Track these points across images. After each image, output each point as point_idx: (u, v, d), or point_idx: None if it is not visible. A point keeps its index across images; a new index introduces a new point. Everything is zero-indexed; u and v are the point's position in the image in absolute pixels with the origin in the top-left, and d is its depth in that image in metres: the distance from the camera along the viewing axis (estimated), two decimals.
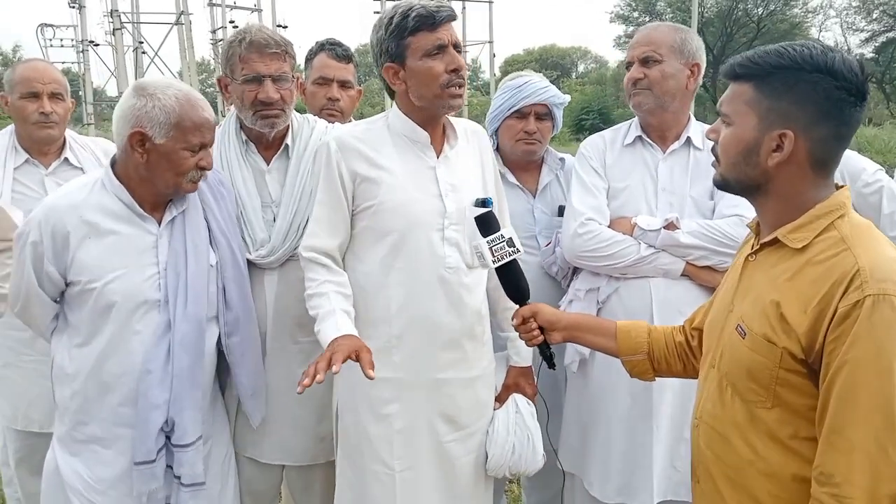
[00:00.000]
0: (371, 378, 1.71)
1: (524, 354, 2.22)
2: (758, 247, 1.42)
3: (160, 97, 1.84)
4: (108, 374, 1.92)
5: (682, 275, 2.21)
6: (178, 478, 1.98)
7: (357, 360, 1.73)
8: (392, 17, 1.91)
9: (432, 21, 1.88)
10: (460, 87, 1.96)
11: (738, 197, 2.17)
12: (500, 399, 2.21)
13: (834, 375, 1.22)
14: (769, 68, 1.30)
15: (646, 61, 2.23)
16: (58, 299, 1.99)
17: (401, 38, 1.90)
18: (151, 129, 1.84)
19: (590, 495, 2.33)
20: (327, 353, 1.73)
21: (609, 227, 2.25)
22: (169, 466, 1.97)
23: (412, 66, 1.92)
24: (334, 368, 1.66)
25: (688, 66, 2.25)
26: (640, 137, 2.34)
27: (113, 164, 1.97)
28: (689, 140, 2.30)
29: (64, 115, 2.69)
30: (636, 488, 2.22)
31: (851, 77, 1.26)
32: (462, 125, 2.12)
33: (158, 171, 1.89)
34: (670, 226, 2.16)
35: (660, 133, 2.33)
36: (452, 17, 1.94)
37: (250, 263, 2.21)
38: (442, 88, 1.93)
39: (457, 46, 1.95)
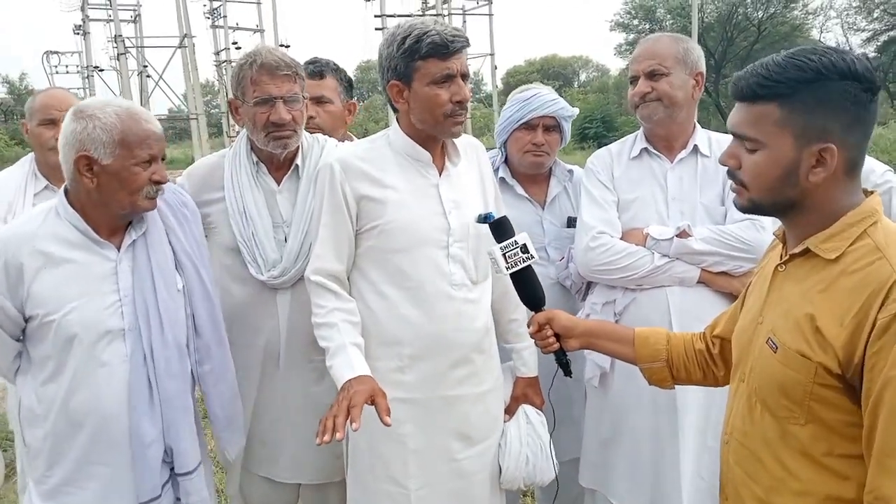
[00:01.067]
0: (388, 425, 1.70)
1: (530, 365, 2.22)
2: (787, 257, 1.36)
3: (100, 116, 1.77)
4: (76, 410, 1.83)
5: (698, 282, 2.20)
6: None
7: (373, 404, 1.73)
8: (405, 38, 1.89)
9: (445, 50, 1.88)
10: (462, 116, 1.97)
11: None
12: (510, 411, 2.20)
13: (880, 393, 1.15)
14: (794, 84, 1.23)
15: (652, 75, 2.23)
16: (20, 338, 1.90)
17: (411, 59, 1.89)
18: (96, 150, 1.77)
19: None
20: (344, 402, 1.72)
21: (621, 239, 2.24)
22: (177, 499, 1.94)
23: (418, 91, 1.92)
24: (354, 426, 1.66)
25: (692, 75, 2.26)
26: (646, 149, 2.34)
27: (66, 191, 1.89)
28: (696, 148, 2.30)
29: None
30: (667, 500, 2.19)
31: (871, 76, 1.22)
32: (461, 140, 2.12)
33: (111, 193, 1.81)
34: (682, 234, 2.16)
35: (667, 143, 2.33)
36: (465, 47, 1.94)
37: (263, 284, 2.21)
38: (444, 117, 1.93)
39: (465, 76, 1.95)
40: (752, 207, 1.36)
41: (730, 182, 1.39)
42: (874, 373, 1.16)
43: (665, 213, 2.26)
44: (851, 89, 1.21)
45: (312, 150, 2.30)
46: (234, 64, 2.40)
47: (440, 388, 2.02)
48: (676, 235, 2.16)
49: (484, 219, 1.94)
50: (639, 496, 2.25)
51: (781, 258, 1.39)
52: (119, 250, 1.89)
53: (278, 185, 2.26)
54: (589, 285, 2.41)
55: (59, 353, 1.83)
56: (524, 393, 2.22)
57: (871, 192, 1.32)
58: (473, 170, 2.13)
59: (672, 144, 2.32)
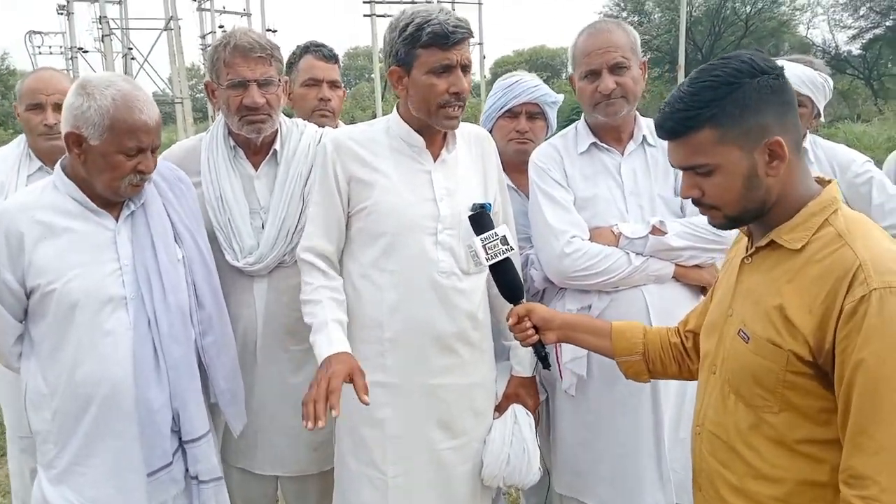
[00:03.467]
0: (366, 403, 1.71)
1: (526, 364, 2.19)
2: (753, 250, 1.40)
3: (97, 97, 1.78)
4: (82, 382, 1.84)
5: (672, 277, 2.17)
6: (196, 477, 1.94)
7: (351, 382, 1.73)
8: (408, 24, 1.88)
9: (446, 40, 1.86)
10: (458, 108, 1.94)
11: None
12: (500, 408, 2.18)
13: (851, 375, 1.19)
14: (714, 103, 1.28)
15: (615, 68, 2.13)
16: (21, 320, 1.92)
17: (412, 47, 1.88)
18: (86, 129, 1.79)
19: None
20: (322, 383, 1.71)
21: (590, 239, 2.16)
22: (186, 470, 1.94)
23: (416, 78, 1.91)
24: (333, 413, 1.67)
25: (641, 65, 2.20)
26: (594, 143, 2.25)
27: (63, 166, 1.92)
28: (644, 138, 2.25)
29: None
30: (645, 496, 2.17)
31: (772, 65, 1.29)
32: (465, 130, 2.09)
33: (95, 173, 1.84)
34: (656, 230, 2.11)
35: (617, 136, 2.26)
36: (467, 37, 1.91)
37: (239, 271, 2.18)
38: (438, 107, 1.92)
39: (465, 68, 1.93)
40: (728, 224, 1.40)
41: (699, 209, 1.42)
42: (845, 356, 1.20)
43: (624, 209, 2.20)
44: (765, 82, 1.28)
45: (291, 135, 2.26)
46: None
47: (421, 375, 2.00)
48: (650, 233, 2.11)
49: (480, 208, 1.91)
50: (618, 497, 2.21)
51: (747, 251, 1.42)
52: (117, 220, 1.90)
53: (256, 170, 2.23)
54: (559, 289, 2.30)
55: (61, 324, 1.84)
56: (517, 392, 2.20)
57: (829, 182, 1.36)
58: (475, 159, 2.10)
59: (621, 137, 2.26)
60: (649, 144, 2.26)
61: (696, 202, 1.40)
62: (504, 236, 1.85)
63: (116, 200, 1.91)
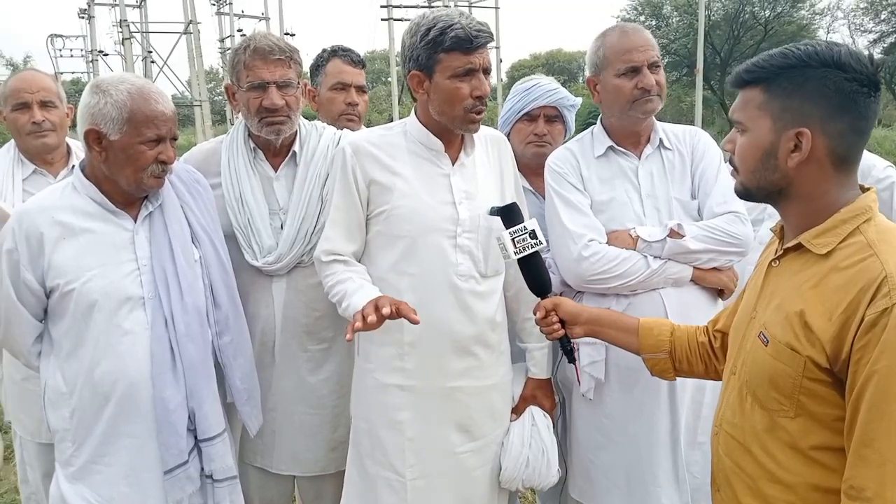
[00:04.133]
0: (416, 322, 1.71)
1: (542, 366, 2.19)
2: (781, 252, 1.39)
3: (112, 93, 1.81)
4: (101, 381, 1.86)
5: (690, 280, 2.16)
6: (210, 476, 1.96)
7: (398, 314, 1.71)
8: (430, 29, 1.87)
9: (469, 44, 1.86)
10: (481, 112, 1.95)
11: (726, 192, 2.14)
12: (517, 411, 2.17)
13: (863, 386, 1.17)
14: (776, 69, 1.28)
15: (652, 66, 2.15)
16: (41, 319, 1.94)
17: (434, 51, 1.88)
18: (105, 125, 1.81)
19: None
20: (371, 304, 1.72)
21: (607, 242, 2.16)
22: (202, 469, 1.95)
23: (438, 83, 1.91)
24: (384, 311, 1.67)
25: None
26: (611, 147, 2.25)
27: (83, 167, 1.94)
28: (660, 142, 2.25)
29: (59, 122, 2.65)
30: (662, 500, 2.16)
31: (861, 68, 1.24)
32: (483, 133, 2.09)
33: (118, 168, 1.85)
34: (673, 234, 2.10)
35: (635, 139, 2.25)
36: (489, 42, 1.92)
37: (258, 271, 2.19)
38: (464, 111, 1.92)
39: (487, 71, 1.93)
40: (743, 191, 1.40)
41: (730, 168, 1.43)
42: (859, 366, 1.18)
43: (642, 212, 2.19)
44: (833, 76, 1.24)
45: (310, 137, 2.27)
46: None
47: (440, 378, 2.00)
48: (667, 236, 2.10)
49: (498, 211, 1.91)
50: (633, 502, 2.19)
51: (776, 253, 1.41)
52: (135, 221, 1.93)
53: (275, 171, 2.24)
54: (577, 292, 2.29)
55: (79, 323, 1.86)
56: (533, 394, 2.19)
57: (868, 189, 1.33)
58: (493, 162, 2.11)
59: (639, 140, 2.25)
60: (666, 148, 2.25)
61: (729, 160, 1.42)
62: (533, 230, 1.84)
63: (140, 195, 1.93)
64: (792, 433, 1.29)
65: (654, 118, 2.27)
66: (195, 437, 1.93)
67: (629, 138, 2.25)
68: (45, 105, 2.61)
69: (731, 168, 1.41)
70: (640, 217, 2.18)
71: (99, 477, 1.90)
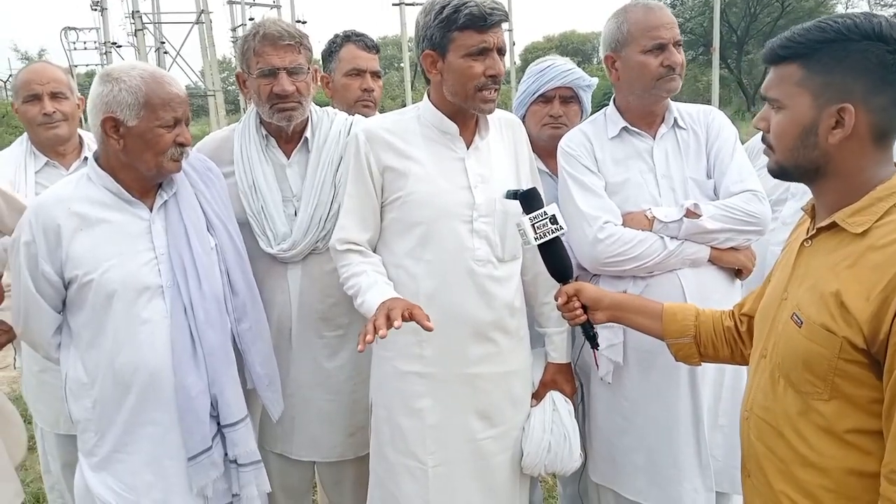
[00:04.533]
0: (430, 329, 1.67)
1: (562, 351, 2.17)
2: (814, 231, 1.35)
3: (125, 80, 1.82)
4: (122, 371, 1.87)
5: (707, 260, 2.13)
6: (235, 461, 1.97)
7: (411, 318, 1.69)
8: (443, 7, 1.85)
9: (483, 22, 1.84)
10: (494, 91, 1.92)
11: (742, 171, 2.12)
12: (538, 396, 2.16)
13: None
14: (814, 44, 1.24)
15: (676, 45, 2.12)
16: (59, 310, 1.95)
17: (447, 30, 1.86)
18: (122, 112, 1.82)
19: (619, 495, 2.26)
20: (381, 312, 1.69)
21: (623, 224, 2.13)
22: (225, 454, 1.97)
23: (452, 62, 1.89)
24: (396, 324, 1.64)
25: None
26: (625, 128, 2.22)
27: (97, 158, 1.95)
28: (675, 121, 2.22)
29: (70, 113, 2.66)
30: (684, 488, 2.14)
31: None
32: (497, 116, 2.07)
33: (137, 154, 1.86)
34: (690, 213, 2.07)
35: (651, 120, 2.22)
36: (503, 20, 1.89)
37: (273, 258, 2.19)
38: (476, 90, 1.90)
39: (501, 51, 1.91)
40: (778, 170, 1.36)
41: (762, 157, 1.39)
42: None
43: (657, 193, 2.16)
44: (875, 49, 1.20)
45: (322, 123, 2.26)
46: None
47: (459, 364, 1.99)
48: (684, 216, 2.07)
49: (514, 195, 1.89)
50: (654, 487, 2.18)
51: (808, 233, 1.37)
52: (151, 211, 1.93)
53: (288, 158, 2.24)
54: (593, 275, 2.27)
55: (99, 314, 1.87)
56: (554, 379, 2.18)
57: None
58: (507, 145, 2.08)
59: (654, 120, 2.22)
60: (680, 127, 2.22)
61: (763, 138, 1.38)
62: (553, 215, 1.82)
63: (159, 180, 1.94)
64: (826, 416, 1.26)
65: (668, 98, 2.23)
66: (218, 424, 1.95)
67: (644, 118, 2.22)
68: (55, 96, 2.62)
69: (765, 147, 1.37)
70: (655, 198, 2.15)
71: (122, 466, 1.91)
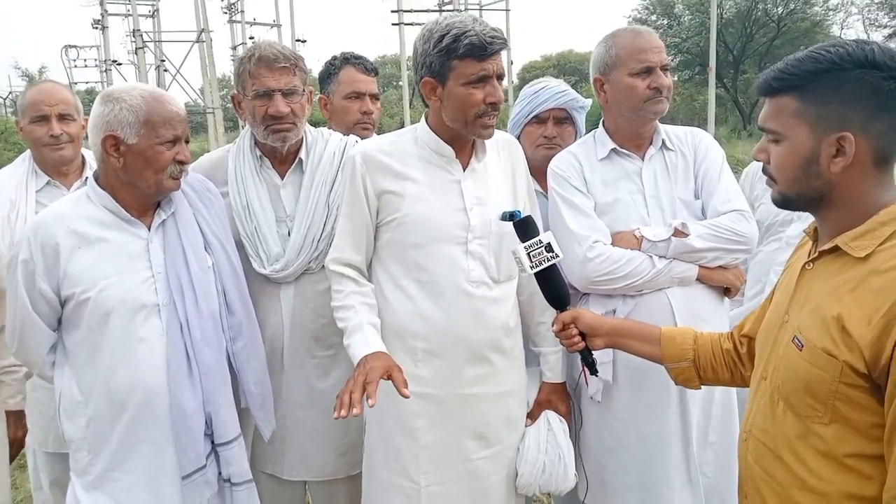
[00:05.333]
0: (406, 397, 1.70)
1: (557, 370, 2.17)
2: (816, 254, 1.35)
3: (126, 99, 1.85)
4: (117, 390, 1.86)
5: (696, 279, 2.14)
6: (228, 480, 1.97)
7: (389, 379, 1.71)
8: (443, 36, 1.86)
9: (483, 51, 1.85)
10: (493, 118, 1.94)
11: (730, 191, 2.15)
12: (532, 415, 2.16)
13: None
14: (809, 75, 1.25)
15: (663, 69, 2.16)
16: (55, 329, 1.95)
17: (447, 59, 1.87)
18: (122, 130, 1.84)
19: None
20: (360, 377, 1.70)
21: (612, 244, 2.15)
22: (219, 473, 1.97)
23: (451, 90, 1.90)
24: (370, 402, 1.65)
25: None
26: (614, 149, 2.25)
27: (96, 177, 1.96)
28: (663, 143, 2.25)
29: (76, 135, 2.66)
30: (674, 502, 2.14)
31: (894, 64, 1.21)
32: (494, 137, 2.07)
33: (137, 172, 1.88)
34: (678, 233, 2.09)
35: (640, 141, 2.25)
36: (503, 48, 1.90)
37: (266, 278, 2.20)
38: (476, 118, 1.91)
39: (500, 77, 1.92)
40: (782, 201, 1.37)
41: (764, 178, 1.40)
42: None
43: (646, 213, 2.19)
44: (869, 77, 1.21)
45: (316, 144, 2.28)
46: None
47: (455, 385, 1.99)
48: (672, 235, 2.09)
49: (510, 216, 1.90)
50: None
51: (810, 255, 1.37)
52: (149, 229, 1.94)
53: (282, 179, 2.25)
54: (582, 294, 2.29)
55: (95, 332, 1.87)
56: (549, 398, 2.18)
57: None
58: (504, 167, 2.10)
59: (642, 142, 2.25)
60: (668, 149, 2.25)
61: (763, 169, 1.38)
62: (549, 243, 1.82)
63: (158, 198, 1.96)
64: (826, 440, 1.25)
65: (656, 120, 2.26)
66: (212, 442, 1.95)
67: (633, 140, 2.25)
68: (63, 118, 2.63)
69: (767, 178, 1.38)
70: (644, 218, 2.18)
71: (117, 485, 1.90)
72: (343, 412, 1.61)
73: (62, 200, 2.00)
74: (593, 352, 1.86)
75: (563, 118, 2.55)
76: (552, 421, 2.14)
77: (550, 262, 1.82)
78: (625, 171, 2.23)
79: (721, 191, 2.16)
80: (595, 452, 2.26)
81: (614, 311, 2.15)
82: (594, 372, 1.88)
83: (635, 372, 2.11)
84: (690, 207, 2.18)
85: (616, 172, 2.24)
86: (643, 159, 2.24)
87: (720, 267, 2.14)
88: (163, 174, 1.89)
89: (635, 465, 2.18)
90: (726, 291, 2.20)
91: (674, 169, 2.22)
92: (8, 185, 2.60)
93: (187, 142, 1.94)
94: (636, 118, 2.20)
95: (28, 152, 2.71)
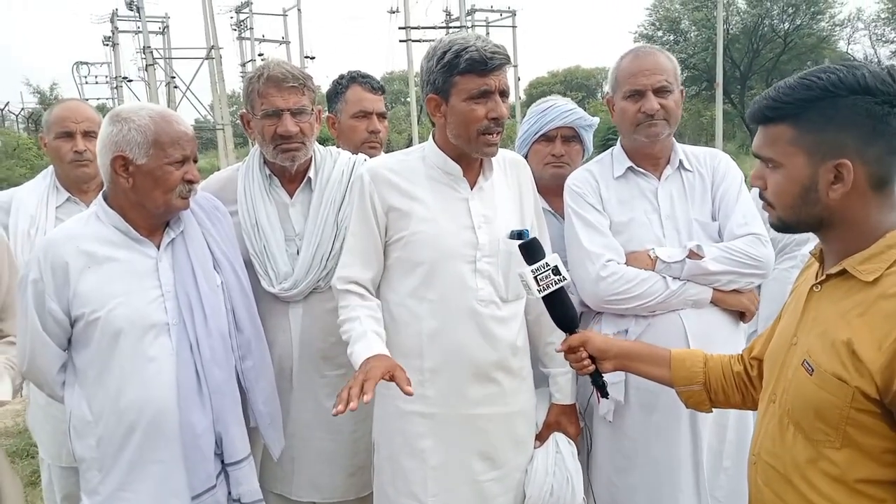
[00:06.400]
0: (410, 394, 1.69)
1: (566, 391, 2.15)
2: (823, 277, 1.34)
3: (134, 119, 1.86)
4: (127, 409, 1.86)
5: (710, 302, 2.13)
6: (238, 500, 1.96)
7: (391, 379, 1.70)
8: (445, 52, 1.88)
9: (484, 66, 1.86)
10: (497, 134, 1.94)
11: (747, 214, 2.13)
12: (541, 437, 2.14)
13: None
14: (802, 104, 1.25)
15: (659, 91, 2.15)
16: (65, 348, 1.95)
17: (449, 74, 1.88)
18: (131, 151, 1.85)
19: None
20: (360, 376, 1.70)
21: (626, 263, 2.14)
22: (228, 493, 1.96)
23: (454, 105, 1.91)
24: (365, 398, 1.63)
25: (680, 92, 2.22)
26: (630, 168, 2.25)
27: (105, 197, 1.97)
28: (680, 163, 2.24)
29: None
30: None
31: (887, 88, 1.21)
32: (501, 155, 2.08)
33: (146, 192, 1.89)
34: (693, 255, 2.08)
35: (654, 161, 2.25)
36: (505, 64, 1.91)
37: (274, 297, 2.20)
38: (478, 133, 1.91)
39: (503, 93, 1.93)
40: (781, 226, 1.36)
41: (762, 203, 1.39)
42: None
43: (661, 233, 2.18)
44: (862, 103, 1.21)
45: (325, 163, 2.29)
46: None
47: (461, 405, 1.98)
48: (687, 257, 2.08)
49: (517, 235, 1.89)
50: None
51: (817, 278, 1.36)
52: (158, 249, 1.95)
53: (291, 197, 2.26)
54: (596, 313, 2.27)
55: (104, 352, 1.87)
56: (558, 420, 2.16)
57: None
58: (511, 185, 2.09)
59: (658, 162, 2.25)
60: (686, 169, 2.24)
61: (760, 195, 1.38)
62: (556, 266, 1.79)
63: (167, 218, 1.96)
64: (838, 465, 1.24)
65: (673, 139, 2.26)
66: (222, 462, 1.94)
67: (647, 159, 2.24)
68: (87, 135, 2.67)
69: (764, 203, 1.37)
70: (659, 238, 2.17)
71: None
72: (341, 407, 1.60)
73: (72, 220, 2.02)
74: (603, 374, 1.84)
75: (570, 136, 2.55)
76: (561, 443, 2.12)
77: (558, 286, 1.80)
78: (640, 191, 2.23)
79: (738, 213, 2.14)
80: (607, 472, 2.25)
81: (627, 331, 2.13)
82: (605, 395, 1.86)
83: (646, 392, 2.09)
84: (707, 229, 2.17)
85: (632, 191, 2.24)
86: (660, 179, 2.24)
87: (735, 291, 2.13)
88: (172, 194, 1.89)
89: (645, 485, 2.16)
90: (742, 316, 2.18)
91: (691, 190, 2.21)
92: (29, 200, 2.64)
93: (195, 161, 1.95)
94: (633, 140, 2.22)
95: (50, 168, 2.75)
